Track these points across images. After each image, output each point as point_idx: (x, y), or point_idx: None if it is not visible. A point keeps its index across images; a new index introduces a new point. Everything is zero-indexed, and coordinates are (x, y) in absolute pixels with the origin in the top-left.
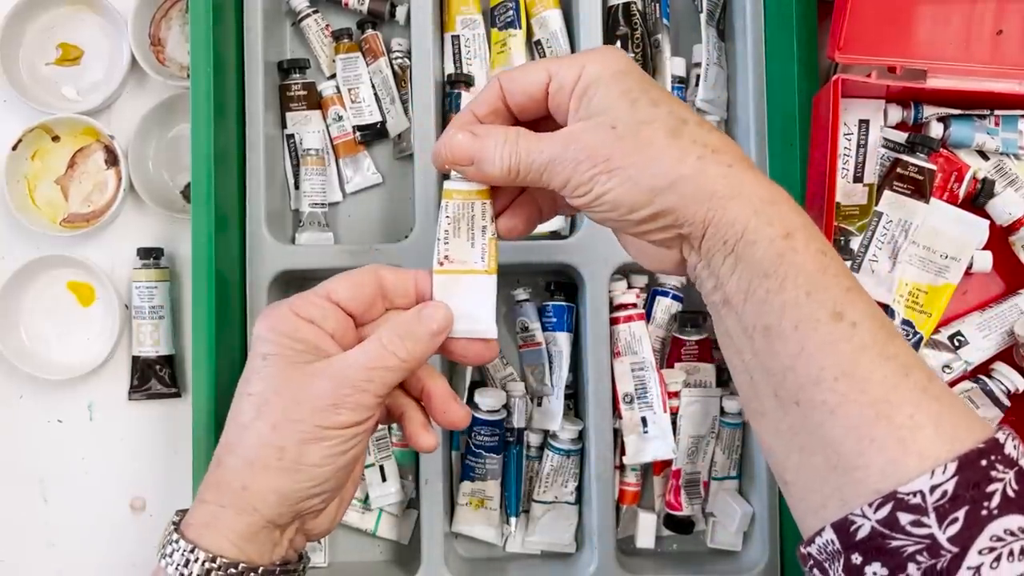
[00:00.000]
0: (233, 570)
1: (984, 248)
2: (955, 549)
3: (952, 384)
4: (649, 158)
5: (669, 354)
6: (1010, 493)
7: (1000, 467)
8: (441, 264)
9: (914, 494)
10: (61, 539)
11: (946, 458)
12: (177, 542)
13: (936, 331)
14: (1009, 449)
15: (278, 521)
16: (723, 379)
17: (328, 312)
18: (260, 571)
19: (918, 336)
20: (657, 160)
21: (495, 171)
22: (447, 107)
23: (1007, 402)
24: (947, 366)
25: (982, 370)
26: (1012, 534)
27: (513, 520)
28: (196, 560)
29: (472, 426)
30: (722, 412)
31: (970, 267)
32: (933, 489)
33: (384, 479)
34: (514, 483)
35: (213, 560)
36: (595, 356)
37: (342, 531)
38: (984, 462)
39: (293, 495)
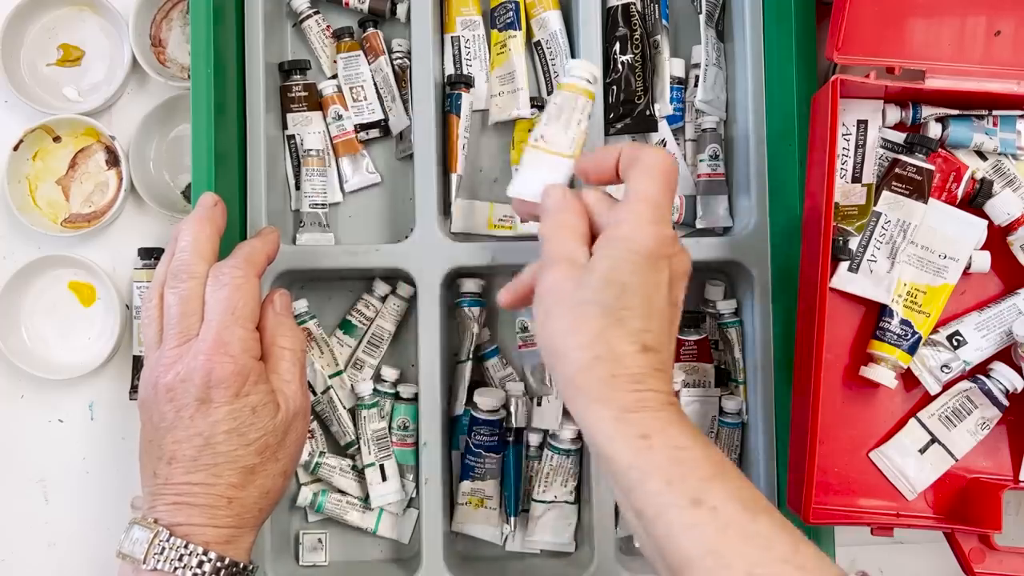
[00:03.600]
0: (234, 569)
1: (982, 248)
2: None
3: (950, 384)
4: (570, 328)
5: None
6: None
7: None
8: (536, 142)
9: None
10: (61, 539)
11: None
12: (207, 554)
13: (935, 331)
14: None
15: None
16: (722, 379)
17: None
18: (252, 568)
19: (916, 336)
20: (572, 335)
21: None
22: (447, 108)
23: (1005, 402)
24: (945, 366)
25: (980, 370)
26: None
27: (513, 519)
28: (225, 567)
29: (472, 425)
30: (721, 412)
31: (968, 267)
32: None
33: (384, 479)
34: (513, 482)
35: (237, 565)
36: None
37: (342, 530)
38: None
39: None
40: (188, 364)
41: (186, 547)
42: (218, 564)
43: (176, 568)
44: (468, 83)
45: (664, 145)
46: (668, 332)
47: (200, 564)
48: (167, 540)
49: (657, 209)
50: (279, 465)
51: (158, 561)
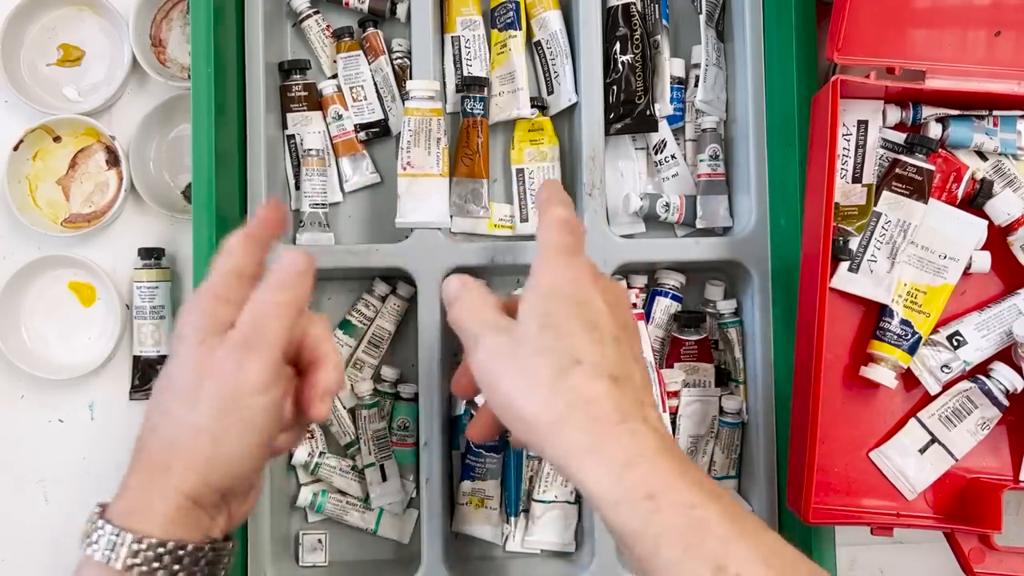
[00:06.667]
0: (162, 549)
1: (982, 248)
2: None
3: (950, 384)
4: (524, 391)
5: (668, 354)
6: None
7: None
8: (404, 169)
9: None
10: (61, 539)
11: None
12: (103, 527)
13: (935, 331)
14: None
15: (201, 501)
16: (722, 379)
17: (241, 288)
18: (189, 548)
19: (917, 336)
20: (529, 396)
21: (453, 319)
22: (468, 110)
23: (1005, 402)
24: (946, 366)
25: (981, 370)
26: None
27: (513, 519)
28: (123, 543)
29: None
30: (721, 412)
31: (968, 267)
32: None
33: (384, 479)
34: (514, 482)
35: (139, 541)
36: None
37: (342, 530)
38: None
39: (213, 474)
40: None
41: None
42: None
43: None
44: (481, 85)
45: (665, 145)
46: (630, 356)
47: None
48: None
49: (563, 248)
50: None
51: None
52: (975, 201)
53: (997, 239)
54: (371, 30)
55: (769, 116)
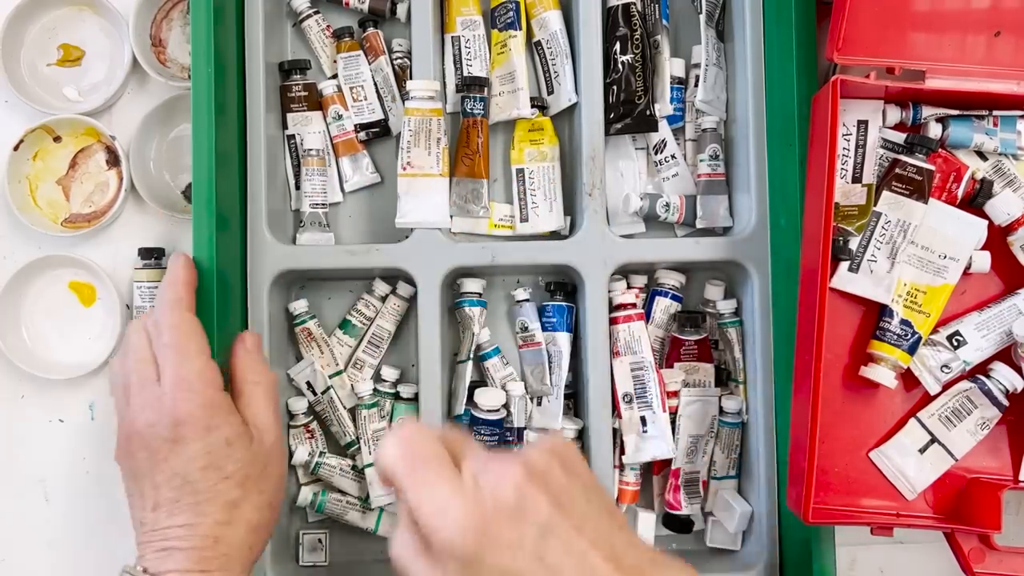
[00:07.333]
0: None
1: (982, 248)
2: None
3: (950, 384)
4: None
5: (668, 354)
6: None
7: None
8: (404, 169)
9: None
10: (62, 539)
11: None
12: None
13: (935, 331)
14: None
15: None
16: (722, 379)
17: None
18: None
19: (916, 336)
20: None
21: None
22: (469, 110)
23: (1005, 402)
24: (946, 366)
25: (980, 370)
26: None
27: None
28: None
29: (472, 425)
30: (721, 412)
31: (968, 267)
32: None
33: None
34: None
35: None
36: (595, 356)
37: (343, 531)
38: None
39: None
40: (154, 408)
41: None
42: None
43: None
44: (482, 85)
45: (665, 145)
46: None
47: None
48: None
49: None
50: (264, 497)
51: None
52: (975, 201)
53: (997, 239)
54: (371, 30)
55: (769, 116)
